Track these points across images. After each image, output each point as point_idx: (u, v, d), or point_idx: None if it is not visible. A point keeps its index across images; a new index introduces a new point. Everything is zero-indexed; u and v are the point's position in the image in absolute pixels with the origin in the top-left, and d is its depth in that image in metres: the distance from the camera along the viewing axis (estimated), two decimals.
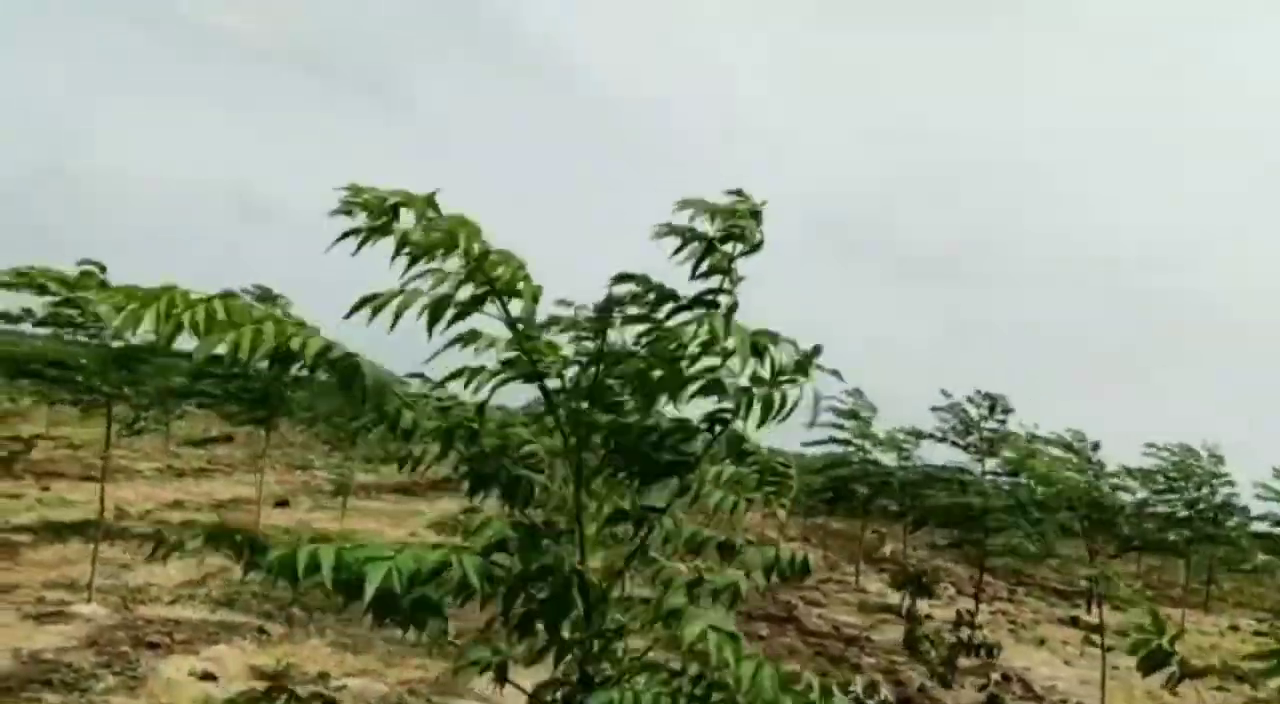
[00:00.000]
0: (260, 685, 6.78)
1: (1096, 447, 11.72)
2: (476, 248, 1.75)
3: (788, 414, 1.66)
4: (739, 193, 1.79)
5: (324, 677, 7.24)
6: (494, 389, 2.03)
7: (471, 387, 2.10)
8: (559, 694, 2.21)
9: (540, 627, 2.13)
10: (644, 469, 2.11)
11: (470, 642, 2.91)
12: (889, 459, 17.09)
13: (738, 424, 1.93)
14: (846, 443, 17.88)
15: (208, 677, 6.84)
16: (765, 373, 1.71)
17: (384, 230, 1.79)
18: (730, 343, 1.57)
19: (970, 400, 12.23)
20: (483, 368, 2.04)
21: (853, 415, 17.81)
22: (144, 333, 1.65)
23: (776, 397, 1.65)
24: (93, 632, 7.63)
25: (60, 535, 11.71)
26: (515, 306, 1.86)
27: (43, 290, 7.68)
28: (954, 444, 12.75)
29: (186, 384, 12.08)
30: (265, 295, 11.39)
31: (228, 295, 1.68)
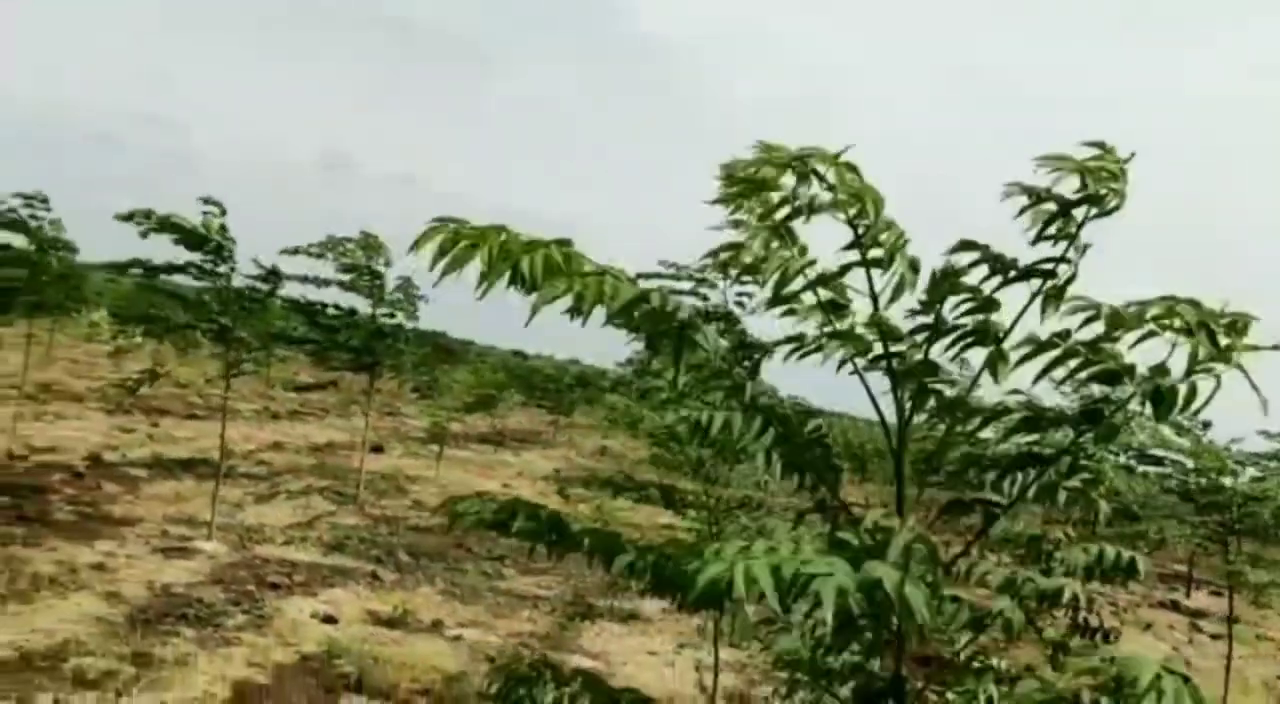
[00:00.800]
0: (375, 631, 6.91)
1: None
2: (880, 214, 1.63)
3: (1204, 405, 1.51)
4: (1100, 146, 1.63)
5: (437, 625, 7.32)
6: (837, 362, 1.87)
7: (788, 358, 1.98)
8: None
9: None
10: (1000, 459, 1.94)
11: (772, 632, 2.82)
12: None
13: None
14: None
15: (329, 619, 6.96)
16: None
17: (764, 188, 1.68)
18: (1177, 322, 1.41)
19: None
20: (803, 336, 1.92)
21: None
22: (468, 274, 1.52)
23: (1185, 386, 1.49)
24: (216, 568, 7.82)
25: (173, 472, 12.04)
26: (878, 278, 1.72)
27: (178, 231, 7.82)
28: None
29: (294, 329, 12.27)
30: (369, 243, 11.44)
31: (562, 242, 1.57)
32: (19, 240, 11.93)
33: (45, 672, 5.15)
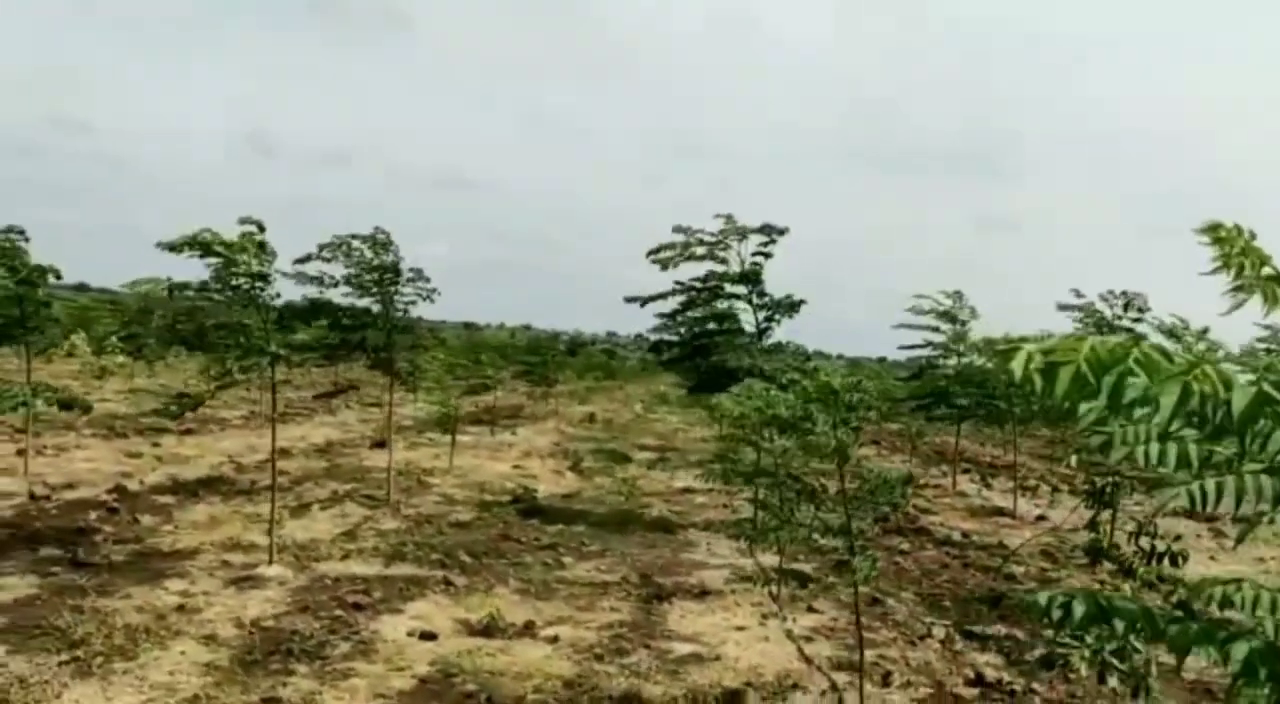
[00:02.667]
0: (475, 642, 6.86)
1: (1205, 332, 11.56)
2: None
3: None
4: None
5: (530, 627, 7.29)
6: None
7: None
8: None
9: None
10: None
11: None
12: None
13: None
14: (944, 347, 17.71)
15: (427, 636, 6.89)
16: None
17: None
18: None
19: (1104, 298, 12.02)
20: None
21: (950, 318, 17.61)
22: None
23: None
24: (293, 595, 7.71)
25: (198, 495, 11.81)
26: None
27: (207, 251, 7.61)
28: None
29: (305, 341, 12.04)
30: (378, 241, 11.18)
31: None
32: None
33: None
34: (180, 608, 7.10)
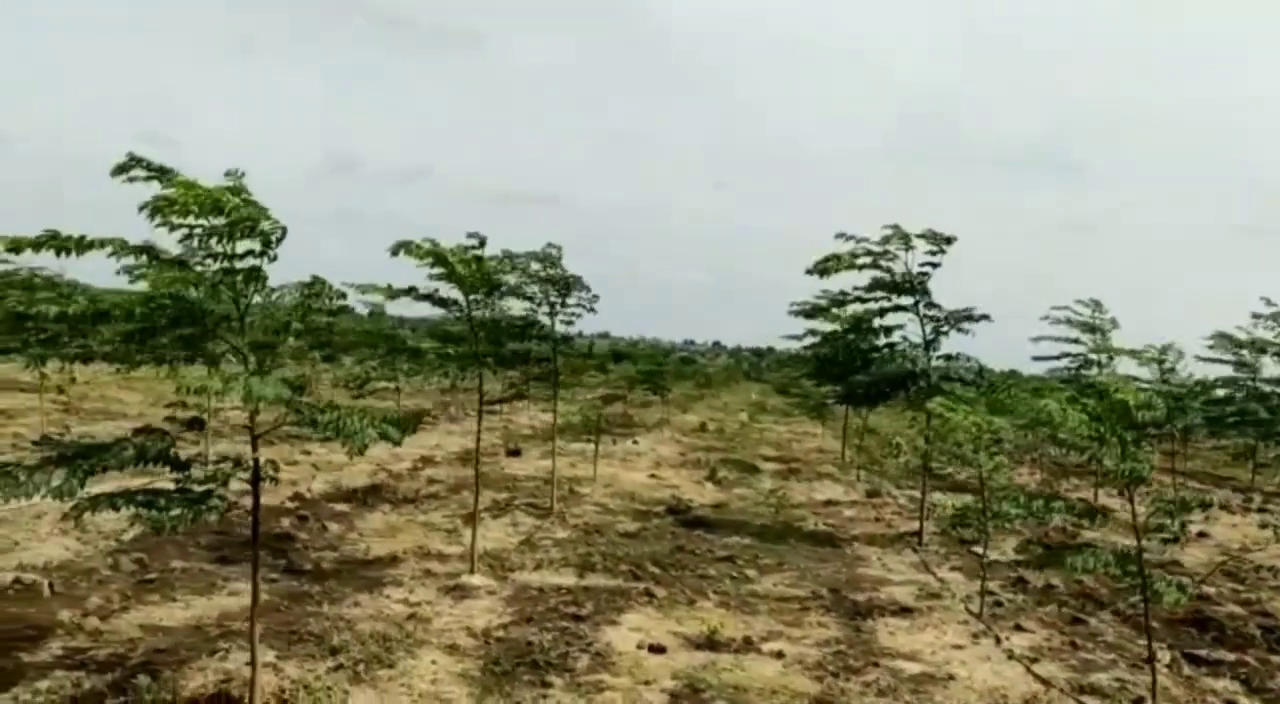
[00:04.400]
0: (705, 656, 6.86)
1: None
2: None
3: None
4: None
5: (749, 642, 7.26)
6: None
7: None
8: None
9: None
10: None
11: None
12: (1144, 373, 16.49)
13: None
14: (1083, 358, 17.35)
15: (655, 649, 6.91)
16: None
17: None
18: None
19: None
20: None
21: (1090, 328, 17.24)
22: None
23: None
24: (508, 605, 7.81)
25: (366, 502, 12.07)
26: None
27: (439, 261, 7.78)
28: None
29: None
30: (549, 255, 11.33)
31: None
32: None
33: None
34: (411, 616, 7.23)
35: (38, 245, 4.74)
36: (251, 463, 5.25)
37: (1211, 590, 10.38)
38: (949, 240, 11.36)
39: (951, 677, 6.74)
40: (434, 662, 6.30)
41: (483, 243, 8.37)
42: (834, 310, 18.94)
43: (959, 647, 7.56)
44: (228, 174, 5.04)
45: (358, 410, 5.27)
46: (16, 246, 4.83)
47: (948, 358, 11.79)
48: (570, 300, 12.02)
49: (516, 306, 11.00)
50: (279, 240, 5.10)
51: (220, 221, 4.98)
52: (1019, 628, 8.18)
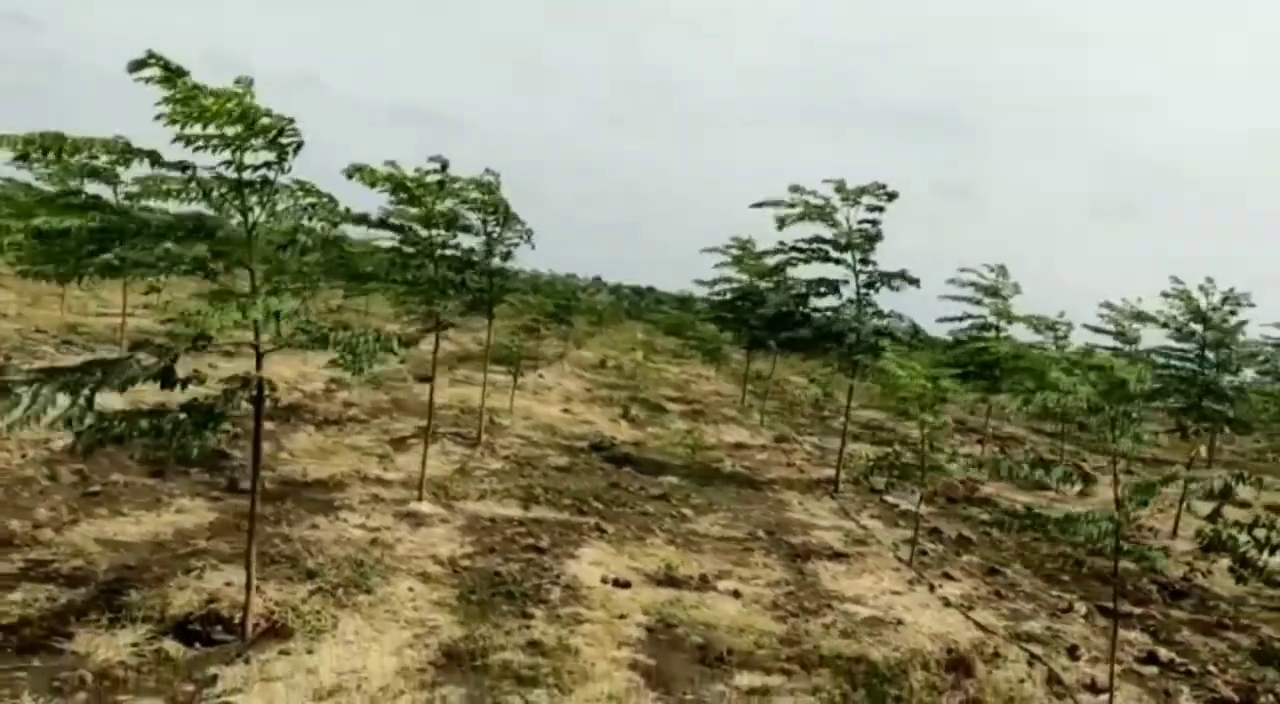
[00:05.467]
0: (667, 593, 7.05)
1: None
2: None
3: None
4: None
5: (705, 580, 7.48)
6: None
7: None
8: None
9: None
10: None
11: None
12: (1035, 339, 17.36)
13: None
14: (983, 322, 18.08)
15: (619, 584, 7.05)
16: None
17: None
18: None
19: (1203, 289, 12.51)
20: None
21: (993, 292, 17.95)
22: None
23: None
24: (464, 533, 7.81)
25: (289, 421, 11.79)
26: None
27: (399, 188, 7.61)
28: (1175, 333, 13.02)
29: None
30: (487, 184, 11.10)
31: None
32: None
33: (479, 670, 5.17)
34: (374, 542, 7.17)
35: (44, 148, 4.44)
36: (255, 382, 5.08)
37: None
38: (891, 196, 11.64)
39: (900, 621, 7.09)
40: (410, 589, 6.28)
41: (444, 166, 8.16)
42: (748, 261, 19.36)
43: (897, 592, 7.95)
44: (238, 81, 4.78)
45: (364, 330, 5.16)
46: (25, 154, 4.53)
47: (880, 315, 12.15)
48: (508, 233, 11.84)
49: (464, 238, 10.82)
50: (296, 151, 4.90)
51: (237, 130, 4.76)
52: (948, 576, 8.64)
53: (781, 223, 11.73)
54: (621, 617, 6.36)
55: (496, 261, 11.98)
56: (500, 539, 7.79)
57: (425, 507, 8.44)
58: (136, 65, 4.33)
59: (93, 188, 11.39)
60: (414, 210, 8.23)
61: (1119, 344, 20.10)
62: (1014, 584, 8.81)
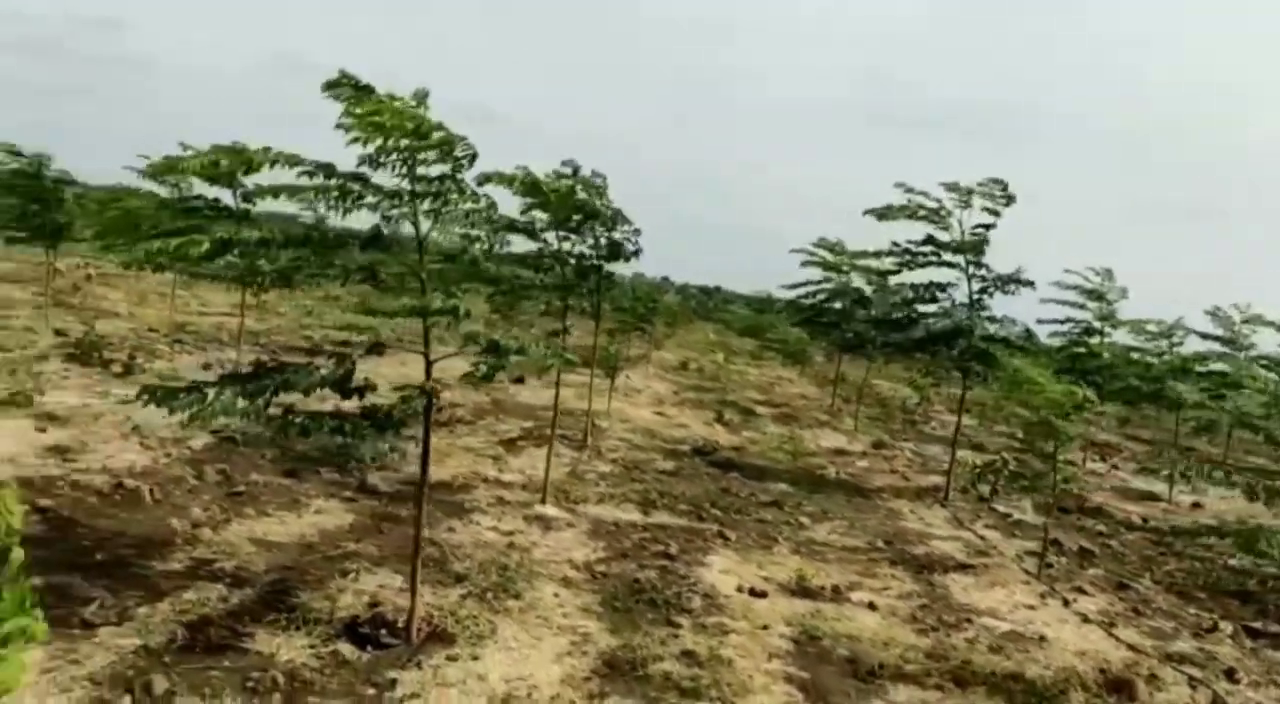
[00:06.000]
0: (806, 604, 6.97)
1: None
2: None
3: None
4: None
5: (838, 591, 7.39)
6: None
7: None
8: None
9: None
10: None
11: None
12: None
13: None
14: (1086, 327, 17.65)
15: (755, 593, 7.00)
16: None
17: None
18: None
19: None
20: None
21: (1097, 296, 17.50)
22: None
23: None
24: (592, 538, 7.83)
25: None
26: None
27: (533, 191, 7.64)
28: None
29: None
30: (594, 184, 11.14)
31: None
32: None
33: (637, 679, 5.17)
34: (511, 546, 7.22)
35: (239, 163, 4.54)
36: (425, 390, 5.15)
37: (1239, 562, 10.78)
38: (1010, 199, 11.41)
39: (1043, 638, 6.93)
40: (556, 595, 6.31)
41: (575, 171, 8.20)
42: (842, 263, 19.16)
43: (1031, 607, 7.77)
44: (415, 94, 4.84)
45: (536, 339, 5.20)
46: (212, 174, 4.63)
47: (992, 320, 11.93)
48: (616, 235, 11.85)
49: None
50: (471, 163, 4.95)
51: (411, 143, 4.82)
52: (1080, 591, 8.43)
53: (883, 215, 11.58)
54: (764, 627, 6.31)
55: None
56: (629, 545, 7.80)
57: (550, 510, 8.49)
58: (330, 85, 4.41)
59: (204, 192, 11.61)
60: (545, 215, 8.26)
61: (1229, 350, 19.51)
62: (1147, 600, 8.56)
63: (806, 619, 6.56)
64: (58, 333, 13.81)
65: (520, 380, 18.35)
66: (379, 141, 4.75)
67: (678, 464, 11.95)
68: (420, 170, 4.99)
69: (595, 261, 10.60)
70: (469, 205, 5.31)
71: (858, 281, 19.31)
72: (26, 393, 8.90)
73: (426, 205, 5.06)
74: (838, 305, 19.57)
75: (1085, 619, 7.56)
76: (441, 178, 4.96)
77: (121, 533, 6.22)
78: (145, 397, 4.30)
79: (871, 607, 7.14)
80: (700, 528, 8.71)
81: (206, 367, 13.52)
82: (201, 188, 13.63)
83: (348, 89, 4.58)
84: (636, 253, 11.37)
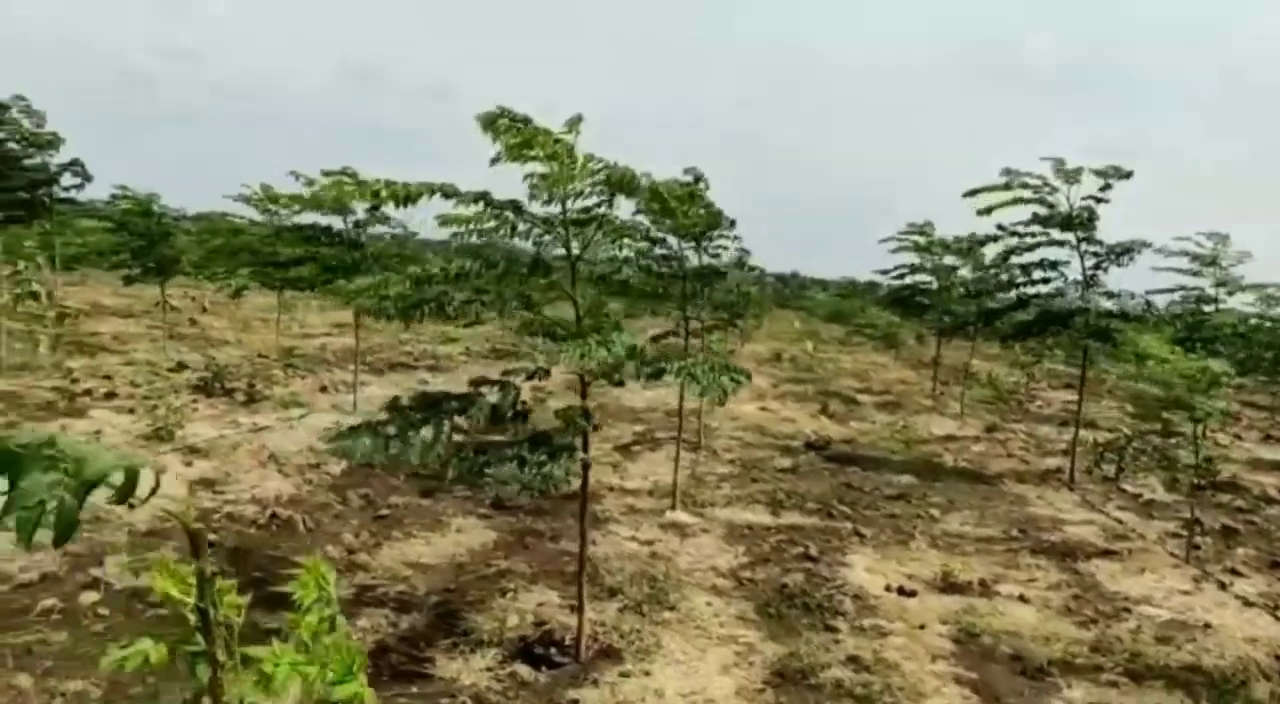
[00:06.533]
0: (957, 600, 6.85)
1: None
2: None
3: None
4: None
5: (985, 585, 7.26)
6: None
7: None
8: None
9: None
10: None
11: None
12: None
13: None
14: (1200, 294, 17.05)
15: (904, 592, 6.92)
16: None
17: None
18: None
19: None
20: None
21: (1211, 262, 16.91)
22: None
23: None
24: (729, 542, 7.82)
25: None
26: None
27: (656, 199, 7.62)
28: None
29: None
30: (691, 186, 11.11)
31: None
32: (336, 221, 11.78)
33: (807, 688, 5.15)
34: (653, 555, 7.25)
35: (394, 196, 4.63)
36: (585, 410, 5.19)
37: None
38: (1126, 175, 11.09)
39: (1208, 625, 6.71)
40: (709, 603, 6.32)
41: (698, 179, 8.20)
42: (934, 247, 18.83)
43: (1186, 592, 7.53)
44: (569, 122, 4.87)
45: (705, 361, 5.21)
46: (378, 202, 4.73)
47: (1110, 295, 11.60)
48: (714, 233, 11.82)
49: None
50: (629, 191, 4.98)
51: (566, 171, 4.87)
52: (1234, 572, 8.15)
53: (988, 210, 11.36)
54: (921, 627, 6.23)
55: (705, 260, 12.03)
56: (768, 548, 7.77)
57: (682, 516, 8.51)
58: (488, 121, 4.47)
59: (312, 219, 11.88)
60: (668, 221, 8.26)
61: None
62: None
63: (961, 616, 6.46)
64: (180, 365, 14.28)
65: (620, 383, 18.42)
66: (536, 174, 4.82)
67: (794, 460, 11.87)
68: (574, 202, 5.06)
69: (720, 269, 10.61)
70: (618, 229, 5.37)
71: (950, 260, 19.02)
72: (169, 427, 9.22)
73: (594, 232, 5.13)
74: (934, 286, 19.28)
75: (1247, 603, 7.30)
76: (596, 204, 5.01)
77: (285, 562, 6.39)
78: (342, 442, 4.41)
79: (1023, 599, 7.00)
80: (834, 526, 8.64)
81: (323, 389, 13.86)
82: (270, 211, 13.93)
83: (504, 121, 4.64)
84: (721, 249, 11.36)
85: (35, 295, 12.64)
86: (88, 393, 11.29)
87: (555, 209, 5.06)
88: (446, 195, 4.76)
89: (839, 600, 6.58)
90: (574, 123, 4.81)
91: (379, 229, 12.53)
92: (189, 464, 8.54)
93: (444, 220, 5.24)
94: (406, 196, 4.63)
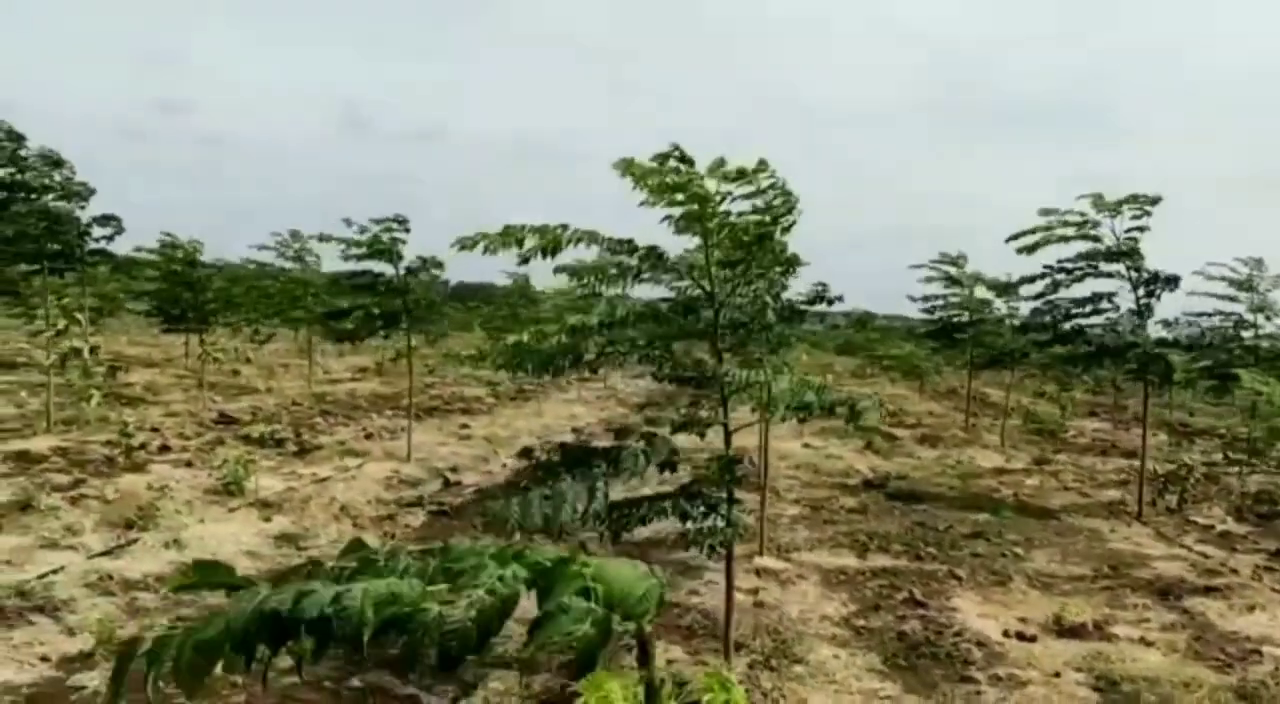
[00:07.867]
0: (1073, 646, 6.65)
1: None
2: None
3: None
4: None
5: (1100, 628, 7.06)
6: None
7: None
8: None
9: None
10: None
11: None
12: None
13: None
14: (1238, 319, 16.95)
15: (1023, 637, 6.72)
16: None
17: None
18: None
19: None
20: None
21: (1247, 287, 16.83)
22: None
23: None
24: (828, 589, 7.63)
25: None
26: None
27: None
28: None
29: None
30: None
31: None
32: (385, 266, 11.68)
33: None
34: (757, 604, 7.06)
35: (542, 248, 4.50)
36: (730, 458, 5.04)
37: None
38: (1154, 201, 11.05)
39: None
40: (836, 656, 6.12)
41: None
42: (965, 280, 18.79)
43: None
44: (710, 167, 4.75)
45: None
46: (528, 253, 4.59)
47: (1166, 324, 11.50)
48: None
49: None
50: (786, 230, 4.88)
51: (695, 210, 4.76)
52: None
53: (1030, 250, 11.30)
54: (1056, 675, 6.03)
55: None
56: (870, 594, 7.57)
57: (769, 561, 8.32)
58: (661, 158, 4.37)
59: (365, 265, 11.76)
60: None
61: None
62: None
63: (1092, 663, 6.26)
64: (223, 416, 14.10)
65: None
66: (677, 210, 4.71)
67: (859, 500, 11.69)
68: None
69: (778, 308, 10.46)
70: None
71: (980, 293, 18.97)
72: (239, 481, 9.02)
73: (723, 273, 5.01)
74: (967, 319, 19.20)
75: None
76: (742, 250, 4.90)
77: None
78: (491, 506, 4.25)
79: (1145, 642, 6.80)
80: (926, 568, 8.44)
81: (368, 436, 13.67)
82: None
83: (637, 168, 4.53)
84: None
85: (78, 351, 12.47)
86: (143, 447, 11.08)
87: (696, 252, 4.94)
88: (591, 242, 4.64)
89: (965, 648, 6.38)
90: (716, 166, 4.70)
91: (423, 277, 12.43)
92: (268, 520, 8.33)
93: (572, 272, 5.12)
94: (555, 246, 4.50)
